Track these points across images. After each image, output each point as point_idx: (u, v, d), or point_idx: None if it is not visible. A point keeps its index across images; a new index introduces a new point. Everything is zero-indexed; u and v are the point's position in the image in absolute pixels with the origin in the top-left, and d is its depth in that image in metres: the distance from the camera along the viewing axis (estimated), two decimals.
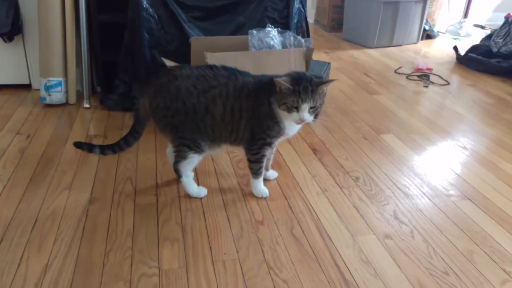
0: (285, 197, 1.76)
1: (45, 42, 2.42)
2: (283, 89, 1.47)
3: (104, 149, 1.69)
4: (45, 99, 2.48)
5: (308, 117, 1.49)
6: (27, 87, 2.74)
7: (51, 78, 2.46)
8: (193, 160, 1.64)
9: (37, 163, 1.92)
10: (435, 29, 4.78)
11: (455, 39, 4.67)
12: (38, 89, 2.59)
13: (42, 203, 1.65)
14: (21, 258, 1.38)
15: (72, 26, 2.42)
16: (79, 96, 2.60)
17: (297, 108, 1.47)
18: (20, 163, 1.92)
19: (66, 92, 2.53)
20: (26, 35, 2.59)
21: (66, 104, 2.55)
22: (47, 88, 2.46)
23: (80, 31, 2.46)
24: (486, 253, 1.49)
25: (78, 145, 1.69)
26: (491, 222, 1.65)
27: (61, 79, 2.48)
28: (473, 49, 3.73)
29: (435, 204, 1.75)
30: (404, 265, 1.41)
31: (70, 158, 1.97)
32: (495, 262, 1.45)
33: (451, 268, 1.41)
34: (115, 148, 1.69)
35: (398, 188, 1.85)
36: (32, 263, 1.36)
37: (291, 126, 1.60)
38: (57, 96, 2.49)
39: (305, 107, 1.47)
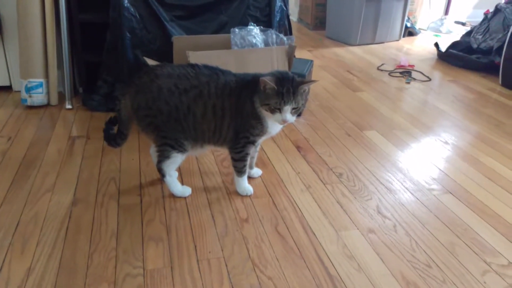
0: (269, 194, 1.77)
1: (25, 42, 2.39)
2: (267, 89, 1.47)
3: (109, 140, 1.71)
4: (26, 100, 2.45)
5: (290, 118, 1.50)
6: (8, 88, 2.69)
7: (31, 79, 2.43)
8: (176, 159, 1.63)
9: (19, 165, 1.89)
10: (417, 26, 4.84)
11: (436, 35, 4.72)
12: (19, 91, 2.56)
13: (24, 205, 1.63)
14: (3, 261, 1.36)
15: (52, 26, 2.40)
16: (61, 97, 2.57)
17: (279, 110, 1.48)
18: (1, 165, 1.89)
19: (48, 93, 2.50)
20: (5, 36, 2.55)
21: (47, 105, 2.52)
22: (28, 90, 2.43)
23: (60, 31, 2.43)
24: (468, 245, 1.51)
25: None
26: (472, 215, 1.68)
27: (42, 80, 2.45)
28: (454, 45, 3.78)
29: (417, 199, 1.77)
30: (388, 259, 1.43)
31: (52, 160, 1.94)
32: (476, 254, 1.47)
33: (433, 261, 1.43)
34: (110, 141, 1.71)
35: (381, 184, 1.87)
36: (14, 266, 1.34)
37: (274, 125, 1.60)
38: (38, 97, 2.46)
39: (287, 108, 1.47)
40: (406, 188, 1.84)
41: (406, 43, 4.42)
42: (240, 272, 1.35)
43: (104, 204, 1.66)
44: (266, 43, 2.28)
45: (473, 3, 5.37)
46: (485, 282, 1.35)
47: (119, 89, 2.42)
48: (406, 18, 4.44)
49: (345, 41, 4.32)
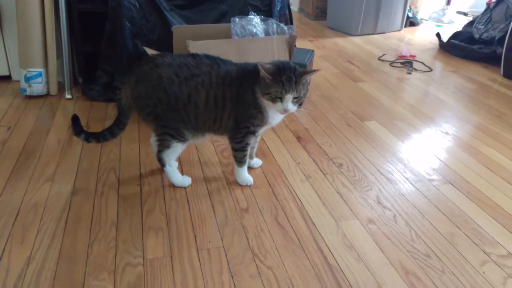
0: (269, 184, 1.76)
1: (24, 32, 2.38)
2: (267, 79, 1.46)
3: (88, 137, 1.67)
4: (25, 90, 2.44)
5: (291, 107, 1.49)
6: (7, 78, 2.69)
7: (31, 69, 2.41)
8: (177, 149, 1.63)
9: (19, 155, 1.89)
10: (419, 16, 4.80)
11: (438, 26, 4.69)
12: (18, 81, 2.55)
13: (24, 195, 1.63)
14: (3, 250, 1.36)
15: (51, 16, 2.38)
16: (61, 87, 2.56)
17: (280, 99, 1.47)
18: (1, 155, 1.89)
19: (47, 83, 2.49)
20: (4, 26, 2.53)
21: (47, 95, 2.51)
22: (27, 79, 2.42)
23: (59, 21, 2.41)
24: (467, 236, 1.51)
25: (74, 120, 1.65)
26: (472, 205, 1.68)
27: (41, 70, 2.44)
28: (456, 35, 3.76)
29: (417, 189, 1.77)
30: (387, 249, 1.43)
31: (52, 150, 1.94)
32: (476, 244, 1.47)
33: (432, 251, 1.43)
34: (99, 137, 1.67)
35: (381, 174, 1.86)
36: (14, 256, 1.35)
37: (275, 115, 1.59)
38: (37, 87, 2.45)
39: (289, 97, 1.47)
40: (406, 179, 1.84)
41: (408, 33, 4.39)
42: (240, 262, 1.36)
43: (104, 194, 1.66)
44: (267, 33, 2.27)
45: None
46: (484, 272, 1.35)
47: (119, 79, 2.41)
48: (407, 8, 4.40)
49: (346, 31, 4.29)
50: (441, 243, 1.47)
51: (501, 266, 1.38)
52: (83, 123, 2.18)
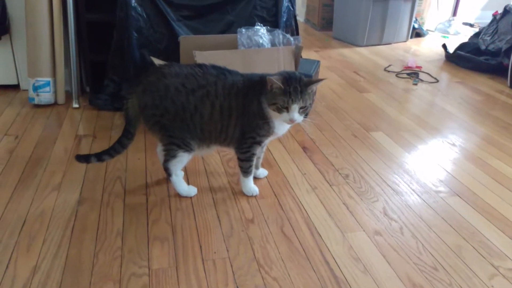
0: (275, 195, 1.76)
1: (32, 42, 2.40)
2: (274, 89, 1.47)
3: (100, 156, 1.65)
4: (33, 99, 2.46)
5: (298, 117, 1.49)
6: (15, 87, 2.71)
7: (39, 78, 2.44)
8: (183, 158, 1.63)
9: (26, 164, 1.90)
10: (424, 27, 4.81)
11: (444, 37, 4.70)
12: (27, 90, 2.57)
13: (30, 204, 1.64)
14: (9, 259, 1.36)
15: (60, 26, 2.41)
16: (68, 96, 2.58)
17: (287, 109, 1.47)
18: (8, 164, 1.90)
19: (55, 92, 2.51)
20: (13, 35, 2.56)
21: (54, 104, 2.53)
22: (36, 89, 2.44)
23: (68, 31, 2.44)
24: (475, 248, 1.50)
25: (78, 158, 1.66)
26: (480, 218, 1.66)
27: (49, 79, 2.46)
28: (462, 46, 3.75)
29: (424, 201, 1.76)
30: (394, 261, 1.42)
31: (59, 159, 1.95)
32: (484, 257, 1.46)
33: (440, 264, 1.42)
34: (111, 152, 1.65)
35: (388, 185, 1.85)
36: (20, 265, 1.35)
37: (281, 126, 1.60)
38: (45, 96, 2.47)
39: (295, 107, 1.47)
40: (413, 190, 1.83)
41: (414, 44, 4.40)
42: (245, 273, 1.35)
43: (110, 203, 1.66)
44: (273, 43, 2.28)
45: (481, 4, 5.33)
46: (492, 286, 1.34)
47: (126, 88, 2.42)
48: (413, 19, 4.42)
49: (352, 42, 4.31)
50: (449, 255, 1.46)
51: (510, 280, 1.36)
52: (89, 131, 2.21)
